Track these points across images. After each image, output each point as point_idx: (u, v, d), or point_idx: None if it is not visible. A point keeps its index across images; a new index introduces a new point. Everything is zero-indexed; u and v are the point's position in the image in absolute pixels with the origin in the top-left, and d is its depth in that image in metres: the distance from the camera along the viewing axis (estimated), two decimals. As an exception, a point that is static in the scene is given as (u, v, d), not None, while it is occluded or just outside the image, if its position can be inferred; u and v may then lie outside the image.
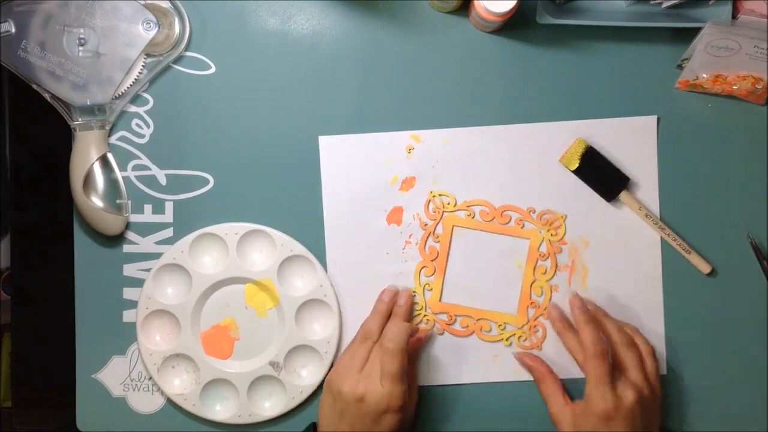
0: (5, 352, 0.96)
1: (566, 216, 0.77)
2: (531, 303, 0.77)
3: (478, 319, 0.77)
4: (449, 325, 0.77)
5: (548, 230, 0.77)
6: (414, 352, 0.76)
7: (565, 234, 0.77)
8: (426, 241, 0.77)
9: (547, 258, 0.77)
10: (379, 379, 0.69)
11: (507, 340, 0.77)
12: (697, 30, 0.72)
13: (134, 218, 0.78)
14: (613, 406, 0.67)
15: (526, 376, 0.77)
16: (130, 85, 0.75)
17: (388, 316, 0.75)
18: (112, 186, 0.76)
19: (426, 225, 0.77)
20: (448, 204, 0.77)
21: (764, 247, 0.76)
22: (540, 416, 0.77)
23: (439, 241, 0.77)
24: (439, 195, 0.77)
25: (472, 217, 0.77)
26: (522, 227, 0.77)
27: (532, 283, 0.77)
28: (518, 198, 0.77)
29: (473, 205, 0.77)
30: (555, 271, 0.77)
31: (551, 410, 0.72)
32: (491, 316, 0.77)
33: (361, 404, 0.69)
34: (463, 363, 0.77)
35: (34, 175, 0.82)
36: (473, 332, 0.77)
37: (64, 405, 0.79)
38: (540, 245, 0.77)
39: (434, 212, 0.77)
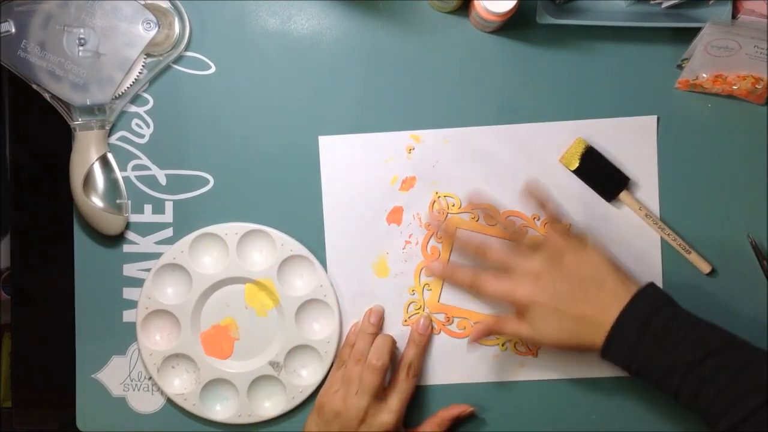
0: (5, 352, 0.96)
1: (571, 225, 0.76)
2: None
3: (476, 322, 0.77)
4: (446, 325, 0.77)
5: None
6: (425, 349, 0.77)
7: None
8: (428, 241, 0.77)
9: (549, 263, 0.77)
10: (382, 401, 0.72)
11: (503, 345, 0.77)
12: (697, 30, 0.72)
13: (134, 218, 0.78)
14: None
15: (524, 376, 0.77)
16: (130, 85, 0.75)
17: (376, 335, 0.76)
18: (112, 186, 0.76)
19: (429, 225, 0.77)
20: (453, 206, 0.77)
21: (764, 247, 0.76)
22: (540, 416, 0.77)
23: (441, 242, 0.77)
24: (445, 196, 0.77)
25: (477, 221, 0.77)
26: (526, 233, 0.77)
27: (533, 287, 0.77)
28: (519, 201, 0.76)
29: (478, 209, 0.77)
30: None
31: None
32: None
33: (361, 426, 0.72)
34: (460, 363, 0.77)
35: (34, 175, 0.82)
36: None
37: (64, 405, 0.79)
38: None
39: (439, 213, 0.77)
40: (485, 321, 0.72)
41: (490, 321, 0.72)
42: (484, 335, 0.72)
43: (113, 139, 0.78)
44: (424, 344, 0.76)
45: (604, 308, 0.66)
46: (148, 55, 0.76)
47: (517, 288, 0.69)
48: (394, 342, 0.75)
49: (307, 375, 0.77)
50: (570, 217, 0.77)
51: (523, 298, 0.68)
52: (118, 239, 0.78)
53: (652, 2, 0.75)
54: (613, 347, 0.65)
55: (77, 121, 0.75)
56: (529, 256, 0.70)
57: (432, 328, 0.77)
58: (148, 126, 0.78)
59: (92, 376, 0.79)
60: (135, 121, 0.78)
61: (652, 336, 0.64)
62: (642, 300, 0.66)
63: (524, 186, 0.71)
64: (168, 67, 0.77)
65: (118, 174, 0.77)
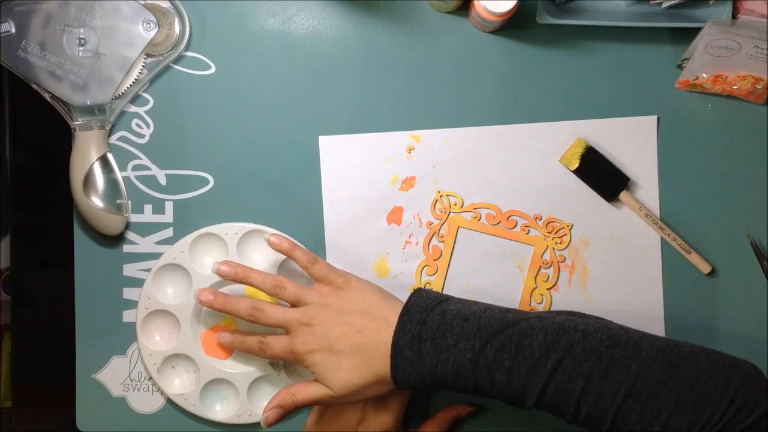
0: (5, 352, 0.96)
1: (572, 225, 0.76)
2: (530, 310, 0.77)
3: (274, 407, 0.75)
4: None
5: (553, 239, 0.76)
6: None
7: (570, 243, 0.77)
8: (430, 240, 0.77)
9: (550, 266, 0.77)
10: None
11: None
12: (697, 30, 0.72)
13: (134, 218, 0.78)
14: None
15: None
16: (130, 85, 0.75)
17: None
18: (112, 186, 0.76)
19: (431, 224, 0.77)
20: (455, 204, 0.77)
21: (764, 247, 0.76)
22: (539, 416, 0.77)
23: (443, 241, 0.77)
24: (447, 195, 0.77)
25: (478, 220, 0.77)
26: (527, 233, 0.77)
27: (533, 290, 0.77)
28: (520, 200, 0.77)
29: (480, 208, 0.77)
30: (557, 280, 0.77)
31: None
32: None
33: (360, 426, 0.72)
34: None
35: (34, 175, 0.82)
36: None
37: (64, 405, 0.79)
38: (544, 253, 0.77)
39: (440, 212, 0.77)
40: (276, 399, 0.68)
41: (281, 397, 0.68)
42: (283, 415, 0.68)
43: (113, 139, 0.78)
44: None
45: (378, 333, 0.64)
46: (148, 55, 0.76)
47: (294, 343, 0.67)
48: None
49: (306, 375, 0.77)
50: (570, 217, 0.77)
51: (301, 350, 0.66)
52: (118, 239, 0.78)
53: (652, 2, 0.75)
54: (400, 370, 0.63)
55: (77, 121, 0.75)
56: (297, 309, 0.68)
57: None
58: (148, 126, 0.78)
59: (92, 376, 0.79)
60: (135, 121, 0.78)
61: (429, 345, 0.62)
62: (408, 314, 0.64)
63: (267, 241, 0.69)
64: (168, 67, 0.77)
65: (118, 174, 0.77)
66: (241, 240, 0.76)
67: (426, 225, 0.77)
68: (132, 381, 0.79)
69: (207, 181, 0.78)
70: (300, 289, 0.69)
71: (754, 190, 0.76)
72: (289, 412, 0.68)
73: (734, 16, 0.73)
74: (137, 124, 0.78)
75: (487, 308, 0.64)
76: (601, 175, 0.76)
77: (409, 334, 0.63)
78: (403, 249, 0.77)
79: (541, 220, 0.77)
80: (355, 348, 0.65)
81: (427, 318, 0.63)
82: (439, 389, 0.64)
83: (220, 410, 0.77)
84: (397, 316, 0.65)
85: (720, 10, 0.73)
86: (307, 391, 0.68)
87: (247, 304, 0.69)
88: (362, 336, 0.65)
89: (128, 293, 0.78)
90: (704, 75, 0.74)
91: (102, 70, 0.74)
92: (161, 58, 0.76)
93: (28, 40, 0.73)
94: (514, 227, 0.77)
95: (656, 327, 0.76)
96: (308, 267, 0.69)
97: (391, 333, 0.64)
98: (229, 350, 0.77)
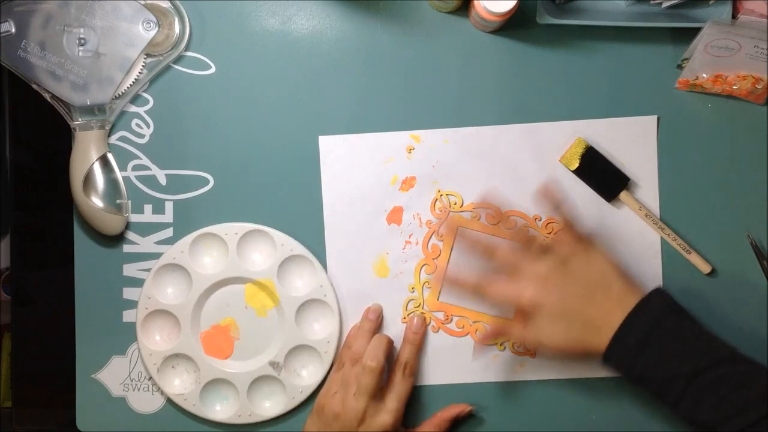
0: (5, 352, 0.96)
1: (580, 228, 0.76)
2: None
3: (474, 321, 0.77)
4: (445, 324, 0.77)
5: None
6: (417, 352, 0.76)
7: None
8: (429, 238, 0.77)
9: (548, 264, 0.77)
10: (359, 397, 0.71)
11: (501, 345, 0.77)
12: (697, 30, 0.72)
13: (134, 218, 0.78)
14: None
15: (524, 376, 0.77)
16: (130, 85, 0.75)
17: (374, 333, 0.76)
18: (112, 186, 0.76)
19: (431, 223, 0.77)
20: (455, 204, 0.77)
21: (764, 247, 0.76)
22: (540, 416, 0.77)
23: (442, 240, 0.77)
24: (447, 194, 0.77)
25: (478, 219, 0.77)
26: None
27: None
28: (520, 200, 0.76)
29: (480, 208, 0.77)
30: None
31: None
32: (487, 319, 0.77)
33: (360, 426, 0.72)
34: (458, 363, 0.77)
35: (34, 175, 0.82)
36: (468, 333, 0.77)
37: (64, 405, 0.79)
38: None
39: (440, 211, 0.77)
40: (492, 327, 0.72)
41: (496, 326, 0.72)
42: (490, 340, 0.72)
43: (113, 139, 0.78)
44: (419, 343, 0.76)
45: (610, 313, 0.66)
46: (148, 55, 0.76)
47: (525, 291, 0.68)
48: (390, 342, 0.75)
49: (307, 375, 0.77)
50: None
51: (530, 301, 0.68)
52: (118, 239, 0.78)
53: (652, 2, 0.75)
54: (615, 352, 0.65)
55: (77, 121, 0.75)
56: (537, 259, 0.69)
57: (425, 326, 0.77)
58: (148, 126, 0.78)
59: (92, 376, 0.79)
60: (135, 121, 0.78)
61: (655, 343, 0.64)
62: (647, 307, 0.66)
63: (540, 187, 0.70)
64: (168, 67, 0.77)
65: (118, 174, 0.77)
66: (241, 240, 0.76)
67: (426, 224, 0.77)
68: (132, 381, 0.79)
69: (207, 181, 0.78)
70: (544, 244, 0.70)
71: (754, 190, 0.76)
72: (495, 340, 0.73)
73: (734, 16, 0.73)
74: (137, 124, 0.78)
75: (716, 337, 0.66)
76: (601, 175, 0.76)
77: (640, 325, 0.65)
78: (403, 249, 0.77)
79: (540, 220, 0.77)
80: (585, 321, 0.67)
81: (664, 317, 0.65)
82: (635, 385, 0.66)
83: (220, 410, 0.77)
84: (635, 301, 0.66)
85: (720, 10, 0.73)
86: (518, 332, 0.70)
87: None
88: (595, 311, 0.66)
89: (128, 293, 0.78)
90: (704, 75, 0.74)
91: (102, 70, 0.74)
92: (161, 58, 0.76)
93: (28, 40, 0.73)
94: (514, 227, 0.77)
95: (656, 327, 0.76)
96: (564, 227, 0.70)
97: (623, 317, 0.65)
98: (230, 350, 0.78)
